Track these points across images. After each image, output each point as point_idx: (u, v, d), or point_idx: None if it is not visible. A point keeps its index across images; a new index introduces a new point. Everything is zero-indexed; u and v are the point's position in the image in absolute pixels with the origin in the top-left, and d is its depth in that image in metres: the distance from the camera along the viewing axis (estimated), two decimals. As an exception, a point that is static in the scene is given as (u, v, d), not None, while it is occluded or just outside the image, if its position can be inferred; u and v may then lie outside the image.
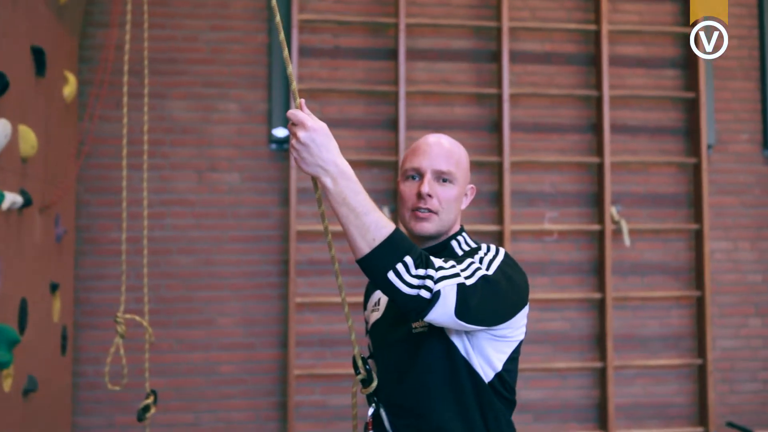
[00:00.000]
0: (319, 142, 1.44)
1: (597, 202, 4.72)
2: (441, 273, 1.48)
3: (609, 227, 4.62)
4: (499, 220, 4.57)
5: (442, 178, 1.67)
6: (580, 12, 4.77)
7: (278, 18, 1.60)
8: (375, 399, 1.68)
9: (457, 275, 1.49)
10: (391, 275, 1.46)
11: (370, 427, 1.69)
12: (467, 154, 1.76)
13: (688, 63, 4.81)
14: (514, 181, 4.63)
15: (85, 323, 4.28)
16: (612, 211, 4.64)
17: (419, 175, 1.68)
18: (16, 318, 3.16)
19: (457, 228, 1.74)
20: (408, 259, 1.46)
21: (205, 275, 4.41)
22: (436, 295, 1.46)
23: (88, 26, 4.32)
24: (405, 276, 1.46)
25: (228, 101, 4.49)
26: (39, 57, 3.41)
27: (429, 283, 1.46)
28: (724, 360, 4.74)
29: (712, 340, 4.67)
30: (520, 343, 1.68)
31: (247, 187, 4.48)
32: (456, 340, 1.61)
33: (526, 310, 1.65)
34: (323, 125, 1.46)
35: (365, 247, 1.45)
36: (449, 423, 1.60)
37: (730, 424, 4.57)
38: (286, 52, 1.55)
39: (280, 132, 4.49)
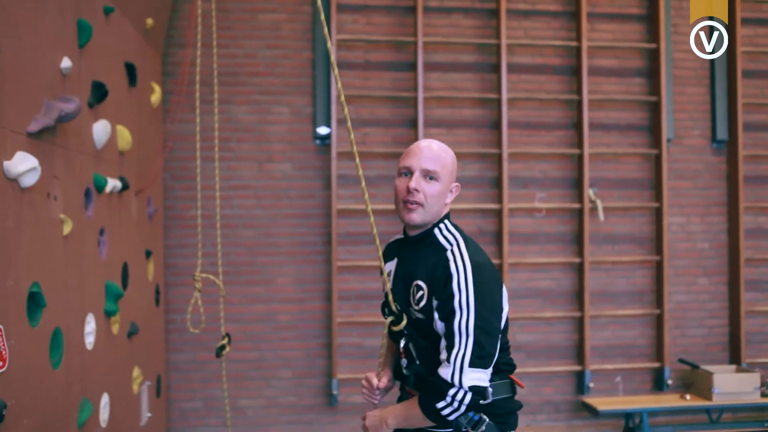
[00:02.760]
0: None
1: (577, 185, 4.70)
2: (455, 378, 1.47)
3: (587, 205, 4.60)
4: (499, 200, 4.58)
5: (428, 176, 1.60)
6: (564, 31, 4.73)
7: (326, 31, 1.68)
8: (406, 333, 1.64)
9: (462, 359, 1.47)
10: (451, 418, 1.51)
11: (403, 356, 1.68)
12: (455, 157, 1.67)
13: (652, 73, 4.76)
14: (511, 169, 4.62)
15: (172, 282, 4.34)
16: (589, 192, 4.60)
17: (410, 172, 1.62)
18: (120, 277, 3.20)
19: (440, 216, 1.66)
20: (440, 404, 1.50)
21: (265, 244, 4.44)
22: (474, 389, 1.48)
23: (169, 46, 4.33)
24: (451, 410, 1.49)
25: (281, 106, 4.48)
26: (131, 71, 3.40)
27: (460, 394, 1.47)
28: (678, 311, 4.75)
29: (668, 294, 4.68)
30: (507, 316, 1.68)
31: (297, 174, 4.47)
32: None
33: (506, 298, 1.62)
34: (375, 423, 1.65)
35: (429, 425, 1.58)
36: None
37: (681, 361, 4.62)
38: (333, 57, 1.65)
39: (322, 130, 4.46)
